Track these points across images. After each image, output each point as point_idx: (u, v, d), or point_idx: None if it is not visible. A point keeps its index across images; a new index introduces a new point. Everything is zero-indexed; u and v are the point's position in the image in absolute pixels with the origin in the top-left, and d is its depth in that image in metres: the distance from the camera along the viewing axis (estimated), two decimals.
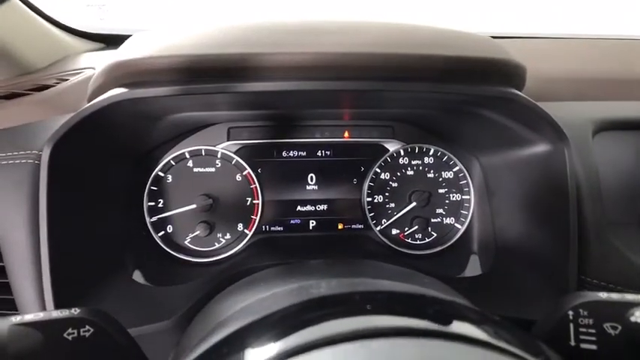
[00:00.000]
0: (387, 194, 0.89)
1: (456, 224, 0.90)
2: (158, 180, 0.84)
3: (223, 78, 0.58)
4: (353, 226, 0.89)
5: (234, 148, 0.86)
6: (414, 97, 0.71)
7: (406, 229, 0.89)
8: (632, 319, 0.46)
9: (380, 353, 0.30)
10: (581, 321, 0.48)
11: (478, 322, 0.37)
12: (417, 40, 0.62)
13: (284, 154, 0.88)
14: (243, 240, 0.86)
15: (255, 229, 0.86)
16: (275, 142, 0.87)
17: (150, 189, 0.84)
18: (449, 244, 0.89)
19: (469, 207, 0.89)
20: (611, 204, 0.72)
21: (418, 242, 0.89)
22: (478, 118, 0.74)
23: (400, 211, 0.88)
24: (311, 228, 0.89)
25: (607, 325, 0.47)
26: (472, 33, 0.69)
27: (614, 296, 0.48)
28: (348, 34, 0.63)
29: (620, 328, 0.46)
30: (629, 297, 0.48)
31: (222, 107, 0.78)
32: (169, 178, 0.85)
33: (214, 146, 0.85)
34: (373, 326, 0.33)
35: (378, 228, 0.89)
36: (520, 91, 0.66)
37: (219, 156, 0.85)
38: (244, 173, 0.86)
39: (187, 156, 0.85)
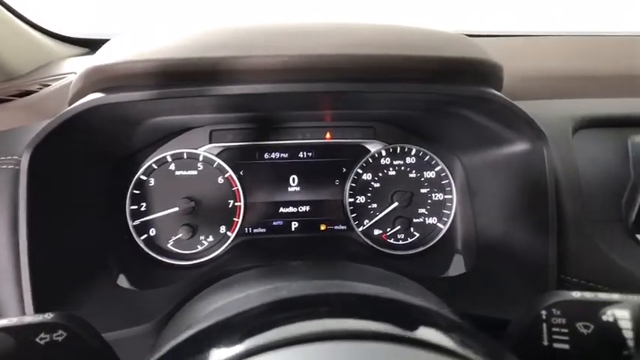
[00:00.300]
0: (369, 195, 0.89)
1: (439, 224, 0.90)
2: (140, 184, 0.85)
3: (199, 82, 0.59)
4: (335, 227, 0.90)
5: (216, 151, 0.86)
6: (393, 97, 0.72)
7: (388, 229, 0.89)
8: (604, 318, 0.46)
9: (333, 356, 0.31)
10: (554, 320, 0.48)
11: (440, 326, 0.37)
12: (392, 41, 0.63)
13: (266, 156, 0.88)
14: (225, 242, 0.86)
15: (238, 232, 0.87)
16: (257, 145, 0.88)
17: (132, 193, 0.84)
18: (431, 244, 0.90)
19: (451, 206, 0.89)
20: (591, 202, 0.72)
21: (401, 242, 0.90)
22: (458, 118, 0.74)
23: (382, 211, 0.88)
24: (293, 229, 0.89)
25: (580, 325, 0.47)
26: (448, 32, 0.70)
27: (587, 295, 0.48)
28: (323, 35, 0.64)
29: (592, 327, 0.46)
30: (602, 296, 0.48)
31: (202, 111, 0.78)
32: (151, 181, 0.85)
33: (196, 149, 0.86)
34: (330, 329, 0.33)
35: (361, 229, 0.89)
36: (498, 90, 0.67)
37: (200, 159, 0.86)
38: (226, 176, 0.86)
39: (169, 159, 0.85)
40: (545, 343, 0.47)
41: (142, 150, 0.84)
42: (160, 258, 0.85)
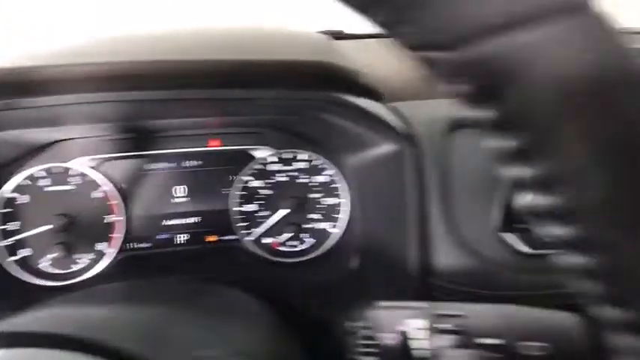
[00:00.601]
0: (258, 202, 0.86)
1: (332, 229, 0.88)
2: (9, 201, 0.79)
3: (14, 92, 0.55)
4: (225, 238, 0.86)
5: (92, 164, 0.82)
6: (264, 104, 0.69)
7: (279, 237, 0.87)
8: (404, 327, 0.45)
9: None
10: (362, 333, 0.47)
11: None
12: (232, 45, 0.60)
13: (147, 166, 0.84)
14: (104, 260, 0.82)
15: (119, 248, 0.82)
16: (137, 155, 0.83)
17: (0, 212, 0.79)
18: (325, 250, 0.87)
19: (343, 210, 0.87)
20: (463, 203, 0.71)
21: (293, 250, 0.87)
22: (327, 123, 0.72)
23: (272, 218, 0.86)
24: (180, 242, 0.85)
25: (385, 336, 0.46)
26: (301, 33, 0.68)
27: (390, 305, 0.47)
28: (162, 41, 0.61)
29: (397, 337, 0.45)
30: (403, 304, 0.47)
31: (62, 122, 0.74)
32: (22, 198, 0.80)
33: (69, 162, 0.81)
34: None
35: (250, 238, 0.86)
36: (362, 93, 0.65)
37: (73, 173, 0.81)
38: (101, 189, 0.81)
39: (40, 174, 0.80)
40: (355, 357, 0.46)
41: (7, 165, 0.79)
42: (32, 280, 0.79)
